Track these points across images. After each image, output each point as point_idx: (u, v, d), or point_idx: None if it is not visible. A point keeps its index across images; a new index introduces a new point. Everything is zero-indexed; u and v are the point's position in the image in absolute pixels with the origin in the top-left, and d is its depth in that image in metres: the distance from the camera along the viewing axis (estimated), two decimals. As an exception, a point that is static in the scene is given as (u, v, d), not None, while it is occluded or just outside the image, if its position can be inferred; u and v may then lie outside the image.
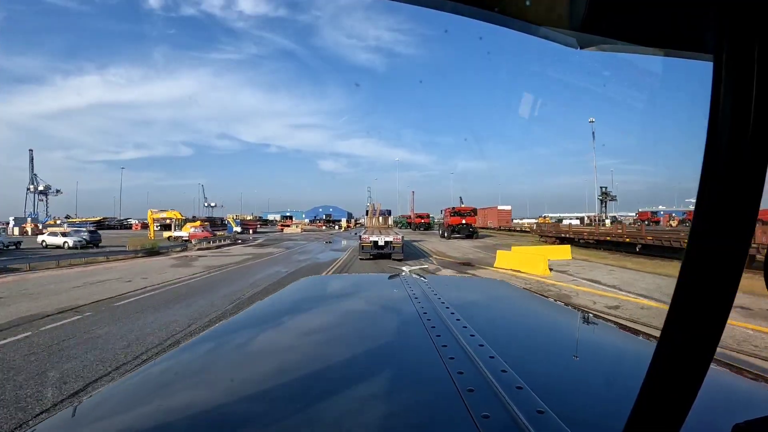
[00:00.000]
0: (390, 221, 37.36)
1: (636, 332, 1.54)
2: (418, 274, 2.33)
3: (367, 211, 39.76)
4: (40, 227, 50.87)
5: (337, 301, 1.93)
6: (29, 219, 61.13)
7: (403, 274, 2.35)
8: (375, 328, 1.45)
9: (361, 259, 18.14)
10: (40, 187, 72.39)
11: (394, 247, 17.97)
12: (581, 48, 0.55)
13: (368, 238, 18.19)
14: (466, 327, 1.21)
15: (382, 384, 0.95)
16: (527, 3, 0.52)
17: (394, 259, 17.43)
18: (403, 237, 19.07)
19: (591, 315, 1.81)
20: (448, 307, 1.45)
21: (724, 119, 0.39)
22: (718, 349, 0.44)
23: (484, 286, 2.60)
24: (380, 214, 37.24)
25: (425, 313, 1.40)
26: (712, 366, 0.47)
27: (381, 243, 18.02)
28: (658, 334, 0.46)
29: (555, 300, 2.13)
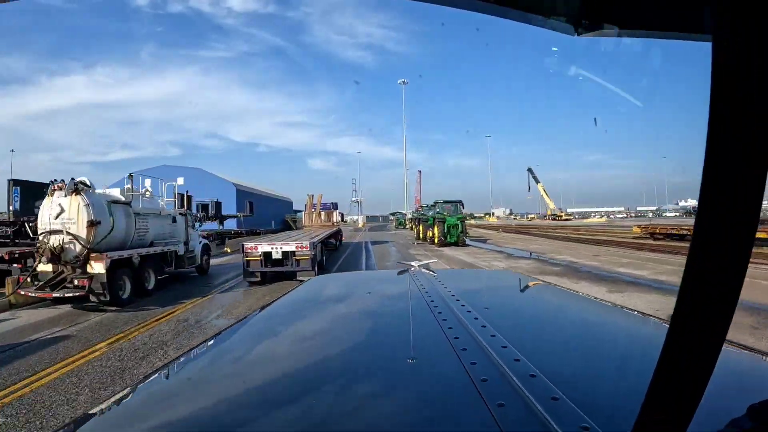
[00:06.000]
0: (335, 218, 26.36)
1: (647, 317, 1.54)
2: (426, 269, 2.34)
3: (326, 205, 28.10)
4: None
5: (347, 299, 1.95)
6: None
7: (412, 269, 2.36)
8: (386, 324, 1.46)
9: (247, 281, 12.21)
10: None
11: (298, 260, 11.98)
12: (578, 35, 0.55)
13: (256, 249, 12.07)
14: (477, 318, 1.21)
15: (396, 377, 0.96)
16: None
17: (299, 280, 10.96)
18: (314, 243, 12.57)
19: (601, 301, 1.82)
20: (458, 300, 1.45)
21: (727, 99, 0.39)
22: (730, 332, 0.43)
23: (493, 278, 2.61)
24: (324, 209, 26.76)
25: (436, 306, 1.41)
26: (725, 348, 0.47)
27: (277, 255, 11.93)
28: (669, 319, 0.46)
29: (565, 288, 2.13)
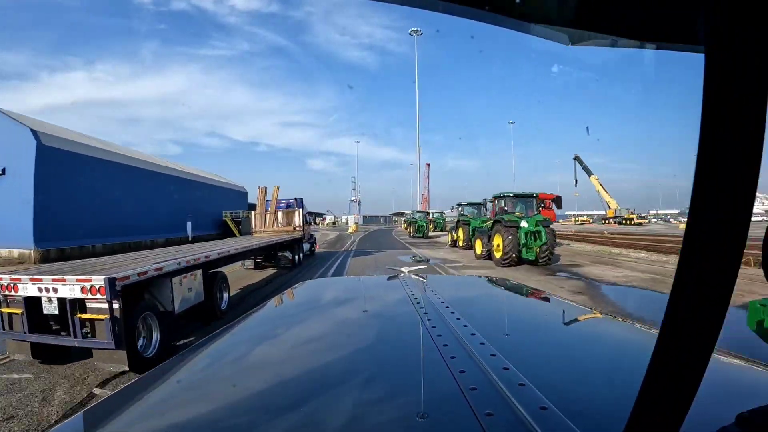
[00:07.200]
0: (297, 220, 17.08)
1: (636, 325, 1.55)
2: (416, 275, 2.33)
3: (287, 202, 18.58)
4: None
5: (336, 304, 1.93)
6: None
7: (402, 275, 2.34)
8: (375, 330, 1.45)
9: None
10: None
11: (84, 323, 4.73)
12: (572, 44, 0.55)
13: (15, 290, 4.91)
14: (466, 326, 1.21)
15: (384, 385, 0.95)
16: (517, 0, 0.52)
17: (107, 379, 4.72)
18: (119, 281, 4.69)
19: (591, 310, 1.82)
20: (447, 307, 1.45)
21: (718, 111, 0.39)
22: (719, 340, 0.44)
23: (483, 284, 2.60)
24: (284, 207, 17.96)
25: (425, 313, 1.40)
26: (714, 356, 0.47)
27: (50, 308, 4.85)
28: (658, 327, 0.47)
29: (555, 296, 2.13)
